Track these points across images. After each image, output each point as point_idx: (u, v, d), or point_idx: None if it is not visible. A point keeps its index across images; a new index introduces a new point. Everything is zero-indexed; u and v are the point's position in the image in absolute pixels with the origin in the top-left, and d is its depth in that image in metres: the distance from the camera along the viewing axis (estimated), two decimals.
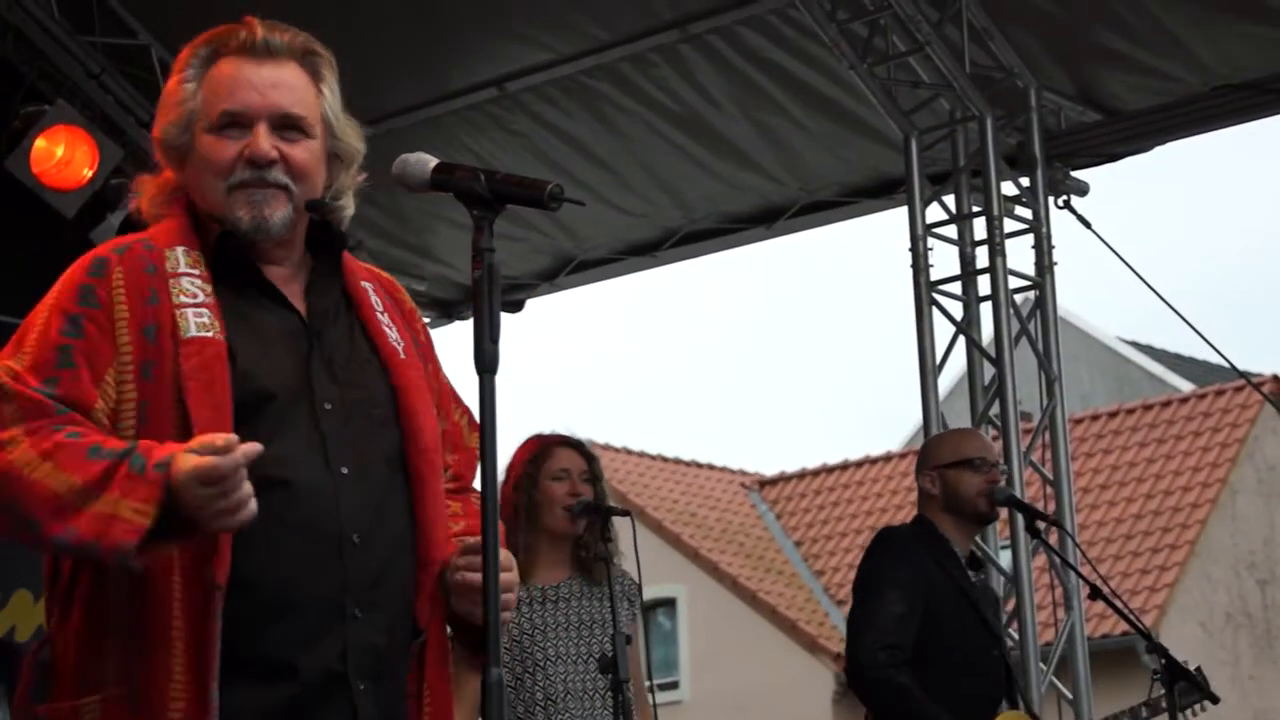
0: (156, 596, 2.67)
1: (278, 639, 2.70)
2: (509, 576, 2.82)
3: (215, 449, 2.56)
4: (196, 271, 2.83)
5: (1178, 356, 28.83)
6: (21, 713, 2.76)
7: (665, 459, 27.18)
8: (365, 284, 2.98)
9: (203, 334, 2.76)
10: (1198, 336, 7.76)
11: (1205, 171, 57.56)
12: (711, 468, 27.47)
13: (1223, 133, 7.77)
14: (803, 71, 7.93)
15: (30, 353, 2.74)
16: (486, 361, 2.66)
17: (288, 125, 2.88)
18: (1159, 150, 7.92)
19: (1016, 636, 7.14)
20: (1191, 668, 5.71)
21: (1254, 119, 7.61)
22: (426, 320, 10.65)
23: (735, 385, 54.41)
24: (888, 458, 25.07)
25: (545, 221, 8.99)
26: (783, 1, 7.48)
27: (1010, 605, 7.19)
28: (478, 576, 2.74)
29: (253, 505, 2.59)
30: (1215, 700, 5.48)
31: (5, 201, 7.35)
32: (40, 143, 7.27)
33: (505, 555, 2.80)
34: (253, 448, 2.57)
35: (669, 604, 24.82)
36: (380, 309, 2.97)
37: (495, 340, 2.66)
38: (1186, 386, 26.14)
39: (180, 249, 2.84)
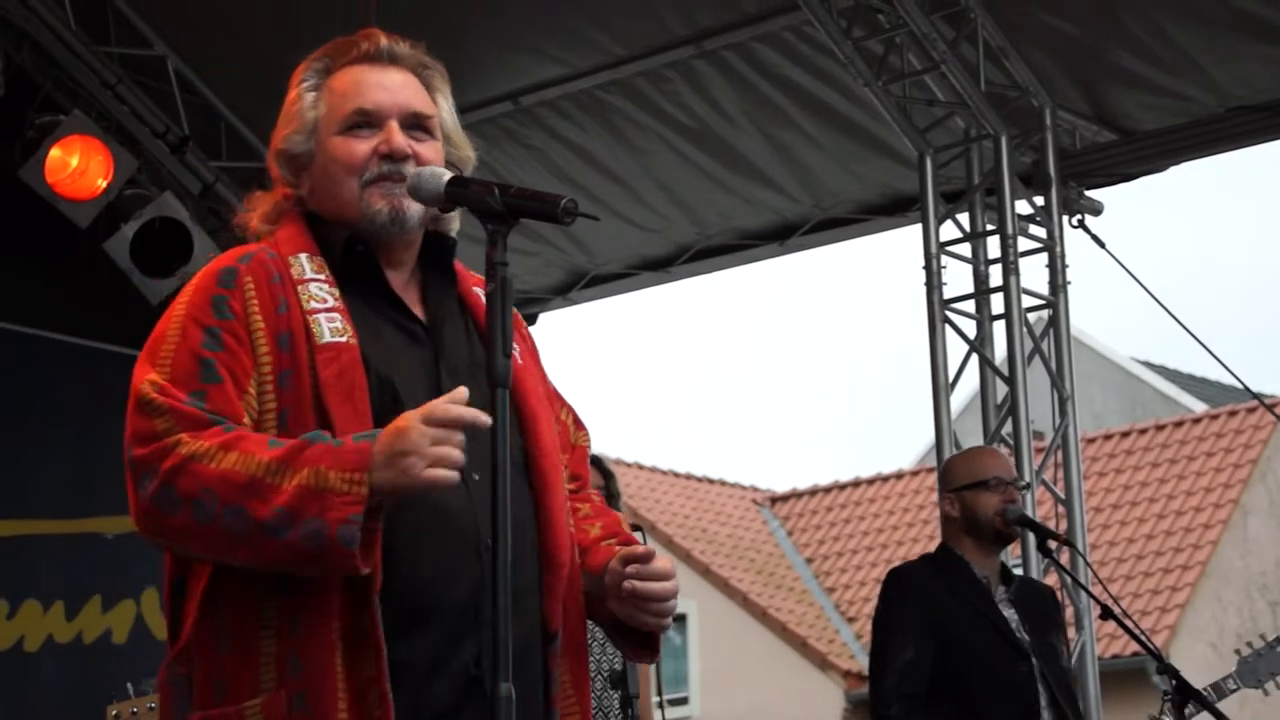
0: (314, 595, 2.64)
1: (418, 644, 2.70)
2: (669, 586, 2.86)
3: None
4: (322, 276, 2.83)
5: (1191, 377, 28.78)
6: None
7: (676, 474, 27.15)
8: (477, 290, 2.99)
9: (337, 339, 2.76)
10: (1211, 357, 7.74)
11: (1220, 193, 57.53)
12: (723, 484, 27.44)
13: (1237, 154, 7.77)
14: (817, 88, 7.94)
15: (169, 366, 2.72)
16: (500, 376, 2.66)
17: (416, 125, 2.92)
18: (1174, 170, 7.92)
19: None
20: (1220, 677, 5.79)
21: (1269, 140, 7.61)
22: None
23: (747, 401, 54.38)
24: (899, 475, 25.02)
25: (559, 236, 9.00)
26: (798, 18, 7.48)
27: None
28: (649, 586, 2.81)
29: (461, 458, 2.58)
30: (1220, 715, 5.46)
31: (20, 211, 7.37)
32: (55, 152, 7.29)
33: (666, 562, 2.86)
34: (481, 415, 2.58)
35: (679, 620, 24.79)
36: None
37: (507, 354, 2.66)
38: (1199, 407, 26.08)
39: (304, 255, 2.85)
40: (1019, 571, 7.31)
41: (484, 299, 2.95)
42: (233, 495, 2.58)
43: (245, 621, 2.68)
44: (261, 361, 2.74)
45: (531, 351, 3.03)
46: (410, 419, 2.60)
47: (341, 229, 2.88)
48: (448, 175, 2.82)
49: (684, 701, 24.47)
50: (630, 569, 2.85)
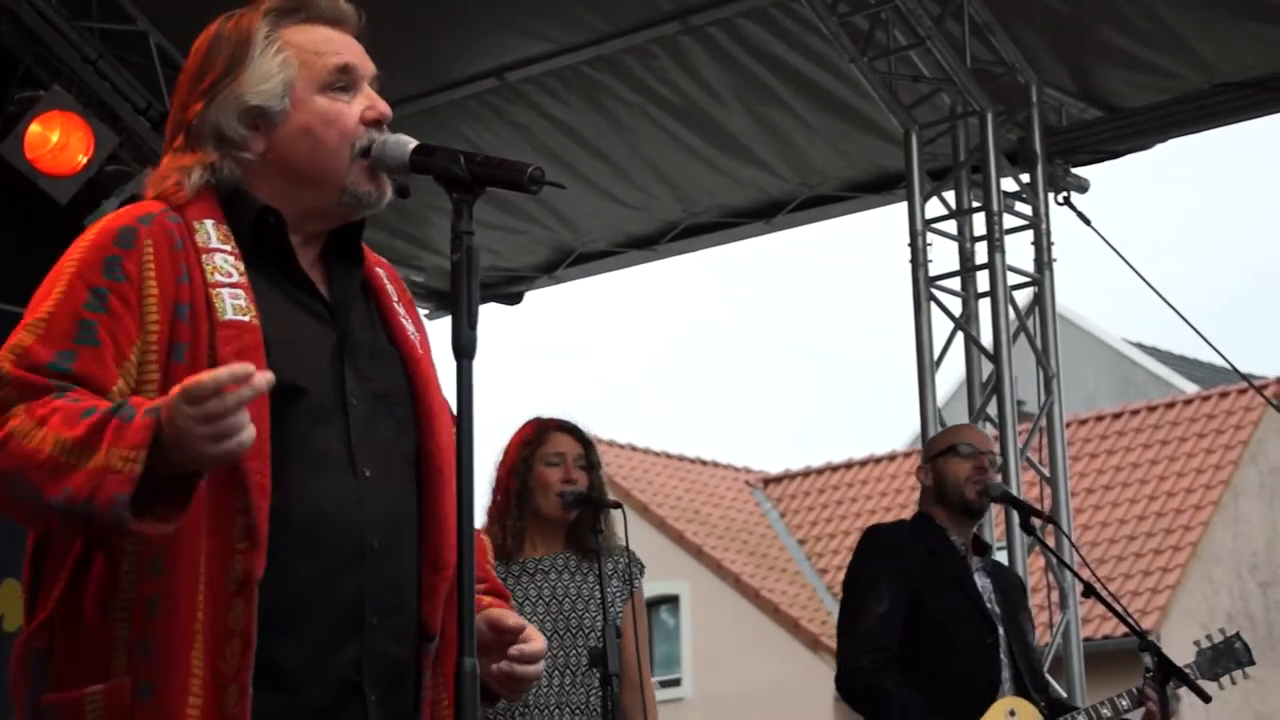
0: (180, 586, 2.54)
1: (294, 645, 2.60)
2: (539, 669, 2.82)
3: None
4: (228, 248, 2.69)
5: (1182, 358, 28.80)
6: (24, 707, 2.63)
7: (669, 456, 27.16)
8: (379, 270, 2.89)
9: (239, 317, 2.63)
10: (1200, 338, 7.73)
11: (1209, 170, 57.56)
12: (716, 465, 27.46)
13: (1225, 131, 7.74)
14: (803, 65, 7.90)
15: (45, 324, 2.58)
16: (464, 346, 2.60)
17: (374, 88, 2.82)
18: (1161, 147, 7.89)
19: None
20: (1229, 634, 5.84)
21: (1256, 117, 7.58)
22: (424, 312, 10.55)
23: (740, 382, 54.40)
24: (892, 457, 25.03)
25: (545, 214, 8.97)
26: None
27: None
28: (524, 670, 2.77)
29: (250, 430, 2.43)
30: (1204, 697, 5.45)
31: None
32: (35, 128, 7.23)
33: (540, 644, 2.80)
34: (242, 366, 2.42)
35: (672, 601, 24.81)
36: (396, 298, 2.88)
37: (474, 325, 2.60)
38: (1191, 388, 26.10)
39: (210, 222, 2.71)
40: (1003, 551, 7.32)
41: (391, 277, 2.91)
42: (36, 477, 2.47)
43: (105, 601, 2.57)
44: (149, 329, 2.61)
45: (428, 344, 2.90)
46: (171, 400, 2.43)
47: (251, 200, 2.74)
48: (413, 143, 2.74)
49: (676, 683, 24.49)
50: (513, 651, 2.77)
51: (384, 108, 2.79)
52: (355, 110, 2.76)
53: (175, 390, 2.44)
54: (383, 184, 2.76)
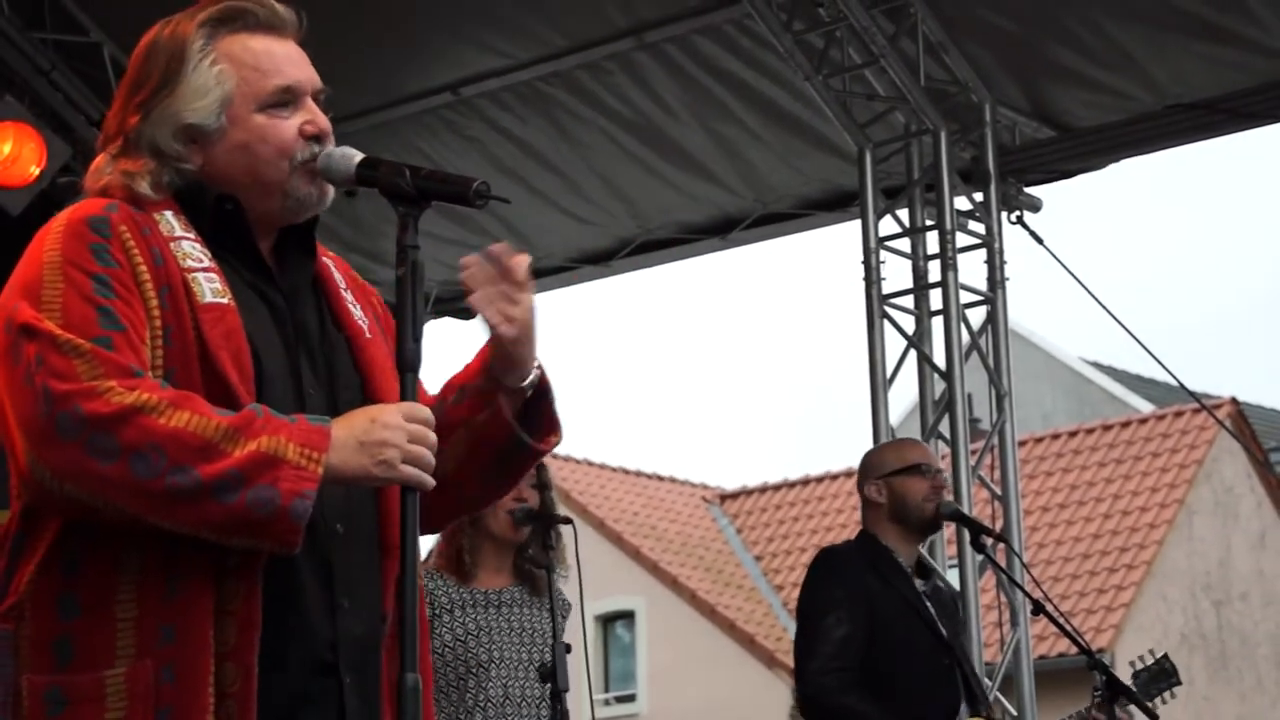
0: (190, 562, 2.53)
1: (272, 629, 2.60)
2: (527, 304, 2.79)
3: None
4: (191, 235, 2.68)
5: (1138, 378, 28.95)
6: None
7: (626, 471, 27.17)
8: (327, 260, 2.90)
9: (218, 300, 2.63)
10: (1150, 357, 7.76)
11: (1162, 190, 57.88)
12: (672, 481, 27.48)
13: (1177, 151, 7.79)
14: (758, 82, 7.92)
15: (59, 311, 2.52)
16: (409, 360, 2.63)
17: (316, 100, 2.80)
18: (1114, 167, 7.94)
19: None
20: (1158, 655, 5.87)
21: (1206, 138, 7.62)
22: None
23: (697, 399, 54.45)
24: (849, 473, 25.04)
25: (500, 228, 8.95)
26: (739, 11, 7.47)
27: None
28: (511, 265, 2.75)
29: (431, 466, 2.56)
30: (1151, 715, 5.48)
31: None
32: None
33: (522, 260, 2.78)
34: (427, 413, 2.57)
35: (628, 616, 24.81)
36: (344, 286, 2.89)
37: (418, 339, 2.62)
38: (1147, 407, 26.25)
39: (169, 212, 2.69)
40: (954, 569, 7.33)
41: (340, 267, 2.91)
42: (183, 455, 2.45)
43: (104, 584, 2.55)
44: (152, 313, 2.60)
45: (385, 329, 2.91)
46: (386, 411, 2.55)
47: (207, 190, 2.74)
48: (358, 156, 2.74)
49: (631, 699, 24.49)
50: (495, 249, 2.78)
51: (324, 123, 2.78)
52: (294, 125, 2.75)
53: (385, 408, 2.58)
54: (324, 186, 2.77)
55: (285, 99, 2.76)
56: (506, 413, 2.84)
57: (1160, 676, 5.83)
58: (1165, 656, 5.94)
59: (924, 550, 6.34)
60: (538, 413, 2.90)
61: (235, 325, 2.64)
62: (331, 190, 2.79)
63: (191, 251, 2.67)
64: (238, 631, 2.56)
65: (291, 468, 2.46)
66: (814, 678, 5.31)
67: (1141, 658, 5.89)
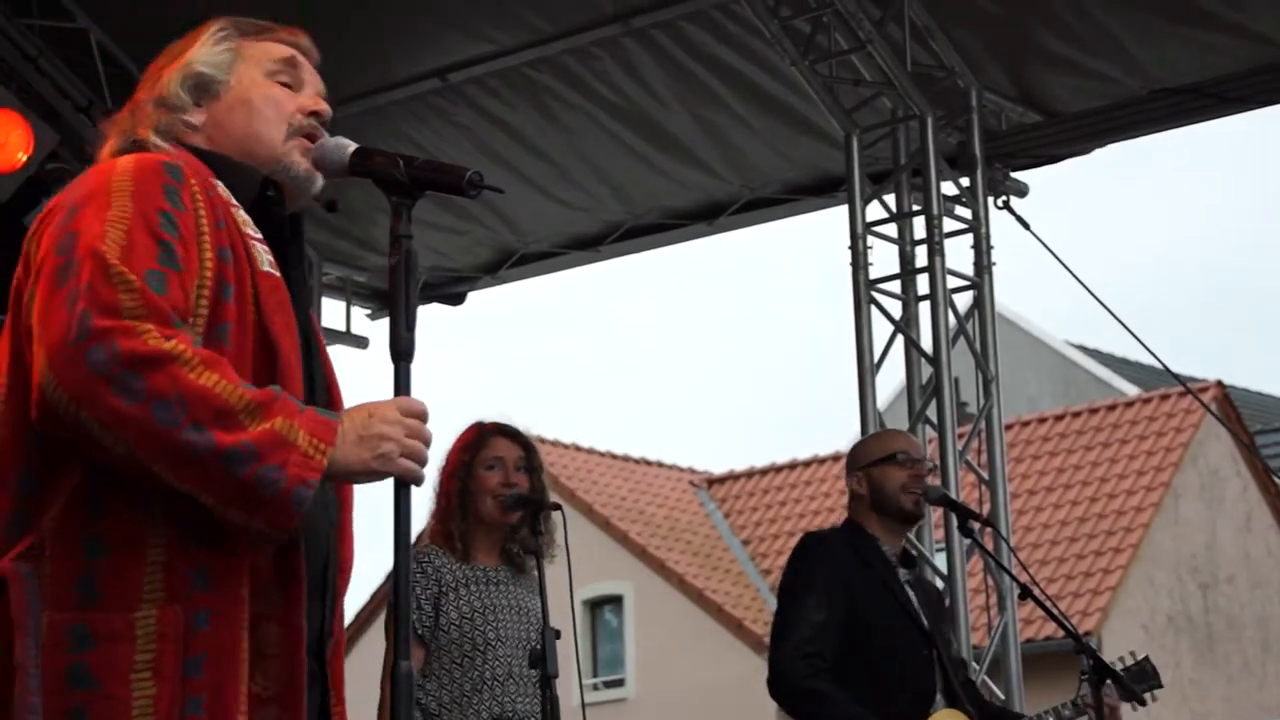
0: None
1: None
2: None
3: None
4: (240, 207, 2.70)
5: (1124, 360, 28.98)
6: (24, 627, 2.49)
7: (614, 456, 27.16)
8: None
9: (272, 271, 2.67)
10: (1135, 340, 7.79)
11: (1149, 174, 57.92)
12: (660, 465, 27.47)
13: (1162, 135, 7.81)
14: (746, 67, 7.94)
15: (124, 234, 2.52)
16: (403, 349, 2.64)
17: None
18: (1100, 152, 7.96)
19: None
20: (1139, 657, 5.84)
21: (1192, 122, 7.65)
22: (367, 312, 10.45)
23: (684, 383, 54.45)
24: (836, 457, 25.06)
25: (488, 214, 8.98)
26: None
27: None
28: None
29: (427, 462, 2.58)
30: (1140, 700, 5.50)
31: None
32: None
33: None
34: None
35: (616, 601, 24.82)
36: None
37: (411, 328, 2.64)
38: (1132, 390, 26.28)
39: (219, 184, 2.70)
40: (942, 553, 7.35)
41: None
42: (203, 415, 2.44)
43: (133, 527, 2.52)
44: (205, 264, 2.59)
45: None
46: (384, 405, 2.57)
47: (251, 171, 2.76)
48: (352, 146, 2.77)
49: (620, 683, 24.50)
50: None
51: (324, 105, 2.83)
52: (297, 98, 2.81)
53: (382, 403, 2.58)
54: (314, 169, 2.80)
55: (287, 73, 2.82)
56: None
57: (1141, 678, 5.84)
58: (1147, 659, 5.94)
59: (912, 535, 6.36)
60: None
61: (285, 298, 2.67)
62: (321, 178, 2.81)
63: (248, 219, 2.70)
64: (280, 589, 2.58)
65: (301, 454, 2.47)
66: (787, 660, 5.31)
67: (1123, 658, 5.90)
